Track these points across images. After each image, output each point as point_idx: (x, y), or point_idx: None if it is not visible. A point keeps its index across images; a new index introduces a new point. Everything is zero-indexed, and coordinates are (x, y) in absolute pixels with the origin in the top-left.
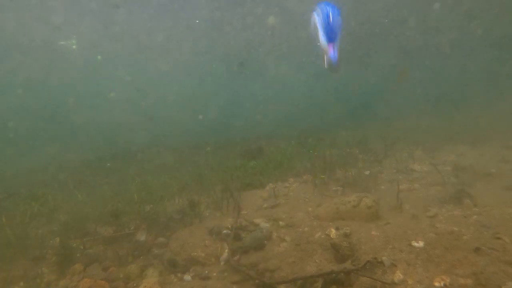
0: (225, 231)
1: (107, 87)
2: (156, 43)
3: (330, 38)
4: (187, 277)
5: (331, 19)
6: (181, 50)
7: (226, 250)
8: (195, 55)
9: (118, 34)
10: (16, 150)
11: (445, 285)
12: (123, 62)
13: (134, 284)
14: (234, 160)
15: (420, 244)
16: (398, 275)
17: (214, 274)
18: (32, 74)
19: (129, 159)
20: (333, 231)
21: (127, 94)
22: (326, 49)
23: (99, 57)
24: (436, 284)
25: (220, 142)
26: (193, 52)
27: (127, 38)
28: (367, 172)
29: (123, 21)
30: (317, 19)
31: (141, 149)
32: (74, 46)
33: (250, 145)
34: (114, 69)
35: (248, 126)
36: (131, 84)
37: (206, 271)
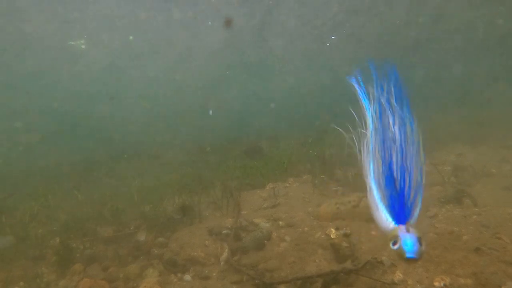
0: (225, 231)
1: (119, 87)
2: (171, 44)
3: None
4: (187, 277)
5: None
6: (194, 53)
7: (226, 250)
8: (205, 58)
9: (136, 35)
10: (21, 150)
11: (445, 285)
12: (137, 62)
13: (134, 284)
14: (234, 160)
15: None
16: (398, 275)
17: (214, 274)
18: (41, 74)
19: (130, 159)
20: (333, 231)
21: (139, 94)
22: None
23: (131, 37)
24: (436, 284)
25: (220, 142)
26: (203, 55)
27: (144, 39)
28: None
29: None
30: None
31: (142, 148)
32: (83, 46)
33: (250, 145)
34: (128, 69)
35: (249, 127)
36: (143, 85)
37: (206, 271)
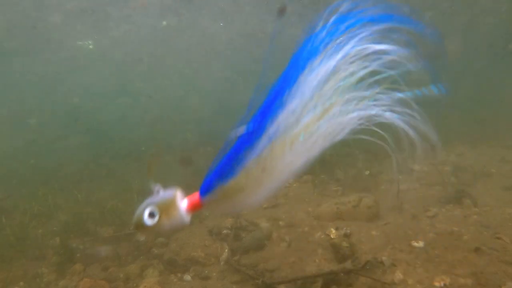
0: (225, 231)
1: (127, 86)
2: (181, 46)
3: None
4: (187, 277)
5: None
6: (204, 55)
7: (226, 250)
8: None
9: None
10: (24, 149)
11: (445, 285)
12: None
13: (134, 284)
14: None
15: (420, 244)
16: (398, 275)
17: (214, 274)
18: (49, 74)
19: (130, 159)
20: (333, 231)
21: (144, 95)
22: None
23: (164, 23)
24: (436, 284)
25: (220, 142)
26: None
27: (153, 39)
28: (367, 172)
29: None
30: None
31: (143, 148)
32: (90, 46)
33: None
34: (137, 69)
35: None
36: (152, 84)
37: (206, 271)
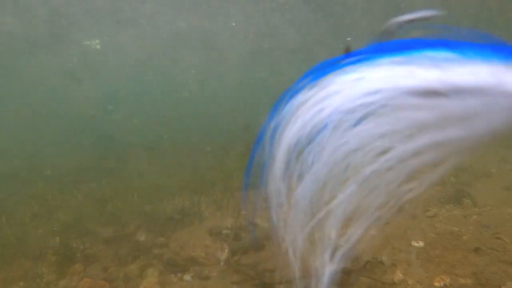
0: (225, 231)
1: (127, 87)
2: (193, 44)
3: None
4: (187, 277)
5: None
6: (215, 51)
7: (226, 250)
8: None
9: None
10: (25, 149)
11: (445, 285)
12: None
13: (134, 284)
14: (235, 160)
15: (420, 244)
16: (398, 275)
17: (214, 274)
18: (56, 73)
19: (129, 159)
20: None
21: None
22: None
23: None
24: (436, 284)
25: (220, 142)
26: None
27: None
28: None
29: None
30: None
31: (141, 149)
32: (98, 46)
33: (251, 145)
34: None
35: (249, 126)
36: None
37: (206, 271)
